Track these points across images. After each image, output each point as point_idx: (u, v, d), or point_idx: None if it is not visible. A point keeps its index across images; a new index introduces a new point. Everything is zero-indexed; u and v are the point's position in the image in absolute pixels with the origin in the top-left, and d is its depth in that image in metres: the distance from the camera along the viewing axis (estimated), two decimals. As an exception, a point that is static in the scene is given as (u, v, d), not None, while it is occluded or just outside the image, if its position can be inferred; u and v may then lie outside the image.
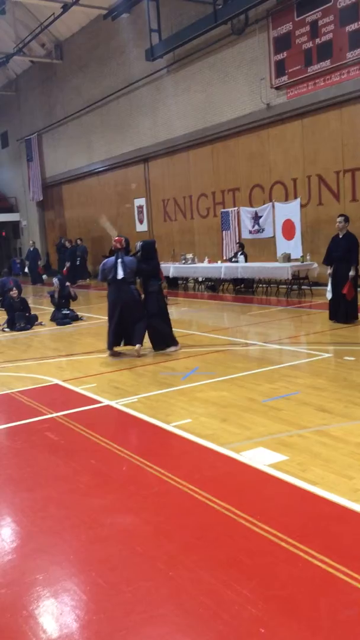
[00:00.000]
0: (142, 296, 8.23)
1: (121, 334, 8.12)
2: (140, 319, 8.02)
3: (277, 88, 14.70)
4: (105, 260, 8.32)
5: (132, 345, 8.08)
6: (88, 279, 21.42)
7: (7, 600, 2.80)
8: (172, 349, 8.24)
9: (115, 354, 8.15)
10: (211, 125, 16.89)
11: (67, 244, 22.26)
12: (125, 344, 8.22)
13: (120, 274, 7.94)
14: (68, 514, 3.66)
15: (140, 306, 8.09)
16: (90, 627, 2.56)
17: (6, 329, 11.54)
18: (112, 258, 8.11)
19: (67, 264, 21.48)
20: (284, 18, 14.25)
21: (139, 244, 8.40)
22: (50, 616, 2.67)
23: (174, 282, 17.52)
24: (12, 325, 11.55)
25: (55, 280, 12.87)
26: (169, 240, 19.62)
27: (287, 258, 13.64)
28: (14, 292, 12.02)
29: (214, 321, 11.48)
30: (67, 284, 12.80)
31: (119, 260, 7.98)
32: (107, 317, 8.37)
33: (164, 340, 8.29)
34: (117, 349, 8.23)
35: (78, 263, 21.64)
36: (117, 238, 8.17)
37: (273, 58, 14.65)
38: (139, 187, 20.38)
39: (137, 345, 7.95)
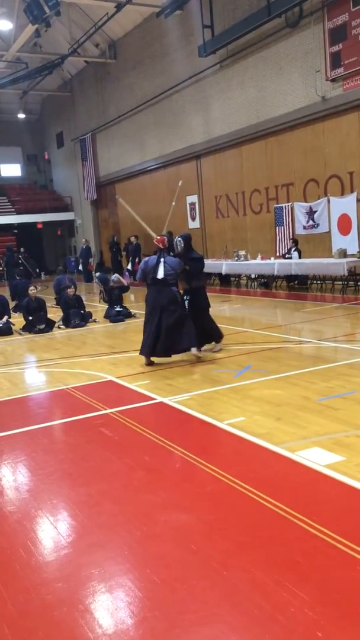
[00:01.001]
0: (182, 294, 7.93)
1: (157, 341, 7.50)
2: (184, 323, 7.53)
3: (333, 80, 14.39)
4: (147, 258, 7.83)
5: (167, 356, 7.65)
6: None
7: (63, 594, 2.85)
8: (219, 346, 8.14)
9: (150, 363, 7.67)
10: (265, 119, 16.68)
11: (133, 240, 22.52)
12: (162, 355, 7.63)
13: (160, 274, 7.53)
14: (122, 509, 3.68)
15: (181, 308, 7.65)
16: (145, 624, 2.57)
17: (62, 326, 11.76)
18: (154, 257, 7.70)
19: (137, 260, 21.78)
20: (339, 9, 13.92)
21: (179, 240, 8.01)
22: (105, 611, 2.69)
23: (226, 279, 17.44)
24: (67, 322, 11.76)
25: (95, 276, 12.97)
26: (221, 237, 19.53)
27: (343, 254, 13.35)
28: (71, 290, 12.23)
29: (267, 318, 11.35)
30: (112, 277, 12.83)
31: (162, 260, 7.59)
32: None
33: (213, 335, 8.15)
34: (152, 358, 7.74)
35: (138, 260, 22.03)
36: (158, 238, 7.76)
37: (328, 50, 14.34)
38: (191, 184, 20.33)
39: (194, 349, 7.57)
